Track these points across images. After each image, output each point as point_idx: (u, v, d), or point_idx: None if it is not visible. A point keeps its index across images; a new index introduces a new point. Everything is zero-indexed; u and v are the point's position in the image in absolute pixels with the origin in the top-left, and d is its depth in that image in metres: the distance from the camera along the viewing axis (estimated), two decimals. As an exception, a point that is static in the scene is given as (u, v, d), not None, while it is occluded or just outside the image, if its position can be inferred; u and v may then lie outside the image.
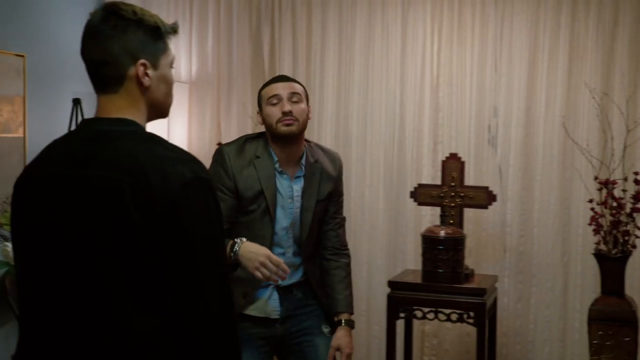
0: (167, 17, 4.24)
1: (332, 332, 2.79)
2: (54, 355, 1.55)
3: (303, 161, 2.74)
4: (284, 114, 2.64)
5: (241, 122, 4.31)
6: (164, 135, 3.90)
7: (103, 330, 1.51)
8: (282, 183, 2.70)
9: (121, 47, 1.59)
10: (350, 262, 2.88)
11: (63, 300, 1.54)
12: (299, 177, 2.73)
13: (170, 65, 1.71)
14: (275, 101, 2.67)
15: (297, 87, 2.71)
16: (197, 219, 1.54)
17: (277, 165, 2.70)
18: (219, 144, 4.10)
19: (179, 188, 1.52)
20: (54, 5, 3.66)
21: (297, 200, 2.72)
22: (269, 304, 2.71)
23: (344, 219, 2.89)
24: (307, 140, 2.80)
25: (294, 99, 2.67)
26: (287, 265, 2.61)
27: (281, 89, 2.68)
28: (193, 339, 1.54)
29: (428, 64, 4.12)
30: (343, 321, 2.78)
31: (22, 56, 3.47)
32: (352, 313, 2.82)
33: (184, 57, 4.35)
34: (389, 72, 4.17)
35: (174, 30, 1.70)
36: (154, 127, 3.84)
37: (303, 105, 2.69)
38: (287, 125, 2.64)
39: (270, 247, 2.64)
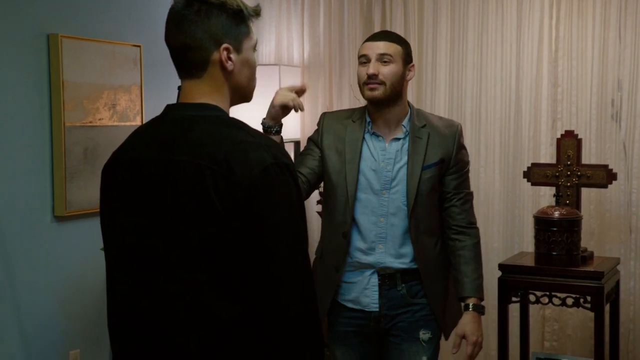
0: (279, 1, 4.28)
1: (433, 338, 2.61)
2: (138, 338, 1.59)
3: (405, 123, 2.59)
4: (368, 77, 2.52)
5: (353, 104, 4.29)
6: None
7: (184, 315, 1.52)
8: (374, 145, 2.58)
9: (205, 31, 1.60)
10: (478, 242, 2.67)
11: (146, 283, 1.57)
12: (397, 139, 2.58)
13: (253, 49, 1.70)
14: (364, 61, 2.56)
15: (389, 47, 2.54)
16: (276, 204, 1.52)
17: (369, 127, 2.59)
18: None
19: (259, 173, 1.51)
20: (167, -4, 3.77)
21: (389, 163, 2.56)
22: (365, 293, 2.59)
23: (469, 194, 2.67)
24: (418, 109, 2.67)
25: (384, 59, 2.53)
26: (382, 237, 2.54)
27: (369, 48, 2.55)
28: (271, 330, 1.51)
29: (546, 37, 3.94)
30: (470, 306, 2.59)
31: (138, 46, 3.59)
32: (480, 298, 2.62)
33: (296, 41, 4.38)
34: (504, 46, 4.02)
35: (256, 13, 1.69)
36: (265, 111, 3.89)
37: (394, 67, 2.53)
38: (371, 89, 2.53)
39: (348, 211, 2.55)
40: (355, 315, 2.61)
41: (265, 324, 1.52)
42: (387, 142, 2.58)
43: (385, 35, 2.61)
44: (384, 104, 2.55)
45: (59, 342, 3.19)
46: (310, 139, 2.70)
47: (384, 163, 2.56)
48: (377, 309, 2.58)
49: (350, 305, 2.61)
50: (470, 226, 2.66)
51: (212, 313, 1.52)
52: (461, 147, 2.63)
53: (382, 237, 2.56)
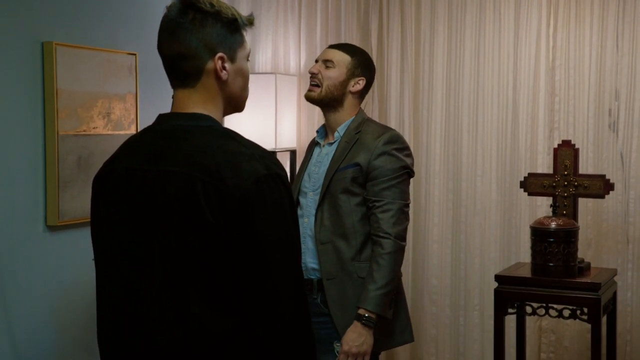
0: (276, 10, 4.26)
1: None
2: (127, 350, 1.57)
3: (340, 129, 2.63)
4: (310, 74, 2.64)
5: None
6: (272, 129, 3.94)
7: (174, 327, 1.50)
8: (316, 149, 2.70)
9: (199, 40, 1.58)
10: (387, 252, 2.47)
11: (136, 294, 1.55)
12: (331, 144, 2.65)
13: (247, 58, 1.69)
14: (314, 63, 2.70)
15: (336, 55, 2.62)
16: (269, 216, 1.50)
17: (319, 132, 2.71)
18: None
19: (252, 184, 1.49)
20: (162, 6, 3.75)
21: (317, 166, 2.64)
22: None
23: (392, 203, 2.51)
24: (369, 119, 2.69)
25: (328, 65, 2.62)
26: (304, 237, 2.55)
27: (322, 54, 2.69)
28: (265, 341, 1.50)
29: (543, 46, 3.92)
30: (356, 315, 2.46)
31: (134, 54, 3.57)
32: (370, 310, 2.44)
33: (292, 50, 4.36)
34: (501, 56, 4.01)
35: (250, 22, 1.67)
36: (262, 120, 3.88)
37: (334, 73, 2.60)
38: (309, 90, 2.65)
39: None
40: None
41: (260, 335, 1.50)
42: (322, 146, 2.68)
43: (341, 46, 2.71)
44: (320, 106, 2.67)
45: (50, 353, 3.16)
46: None
47: (315, 167, 2.66)
48: None
49: None
50: (383, 236, 2.50)
51: (202, 326, 1.49)
52: (383, 154, 2.54)
53: (304, 237, 2.57)
